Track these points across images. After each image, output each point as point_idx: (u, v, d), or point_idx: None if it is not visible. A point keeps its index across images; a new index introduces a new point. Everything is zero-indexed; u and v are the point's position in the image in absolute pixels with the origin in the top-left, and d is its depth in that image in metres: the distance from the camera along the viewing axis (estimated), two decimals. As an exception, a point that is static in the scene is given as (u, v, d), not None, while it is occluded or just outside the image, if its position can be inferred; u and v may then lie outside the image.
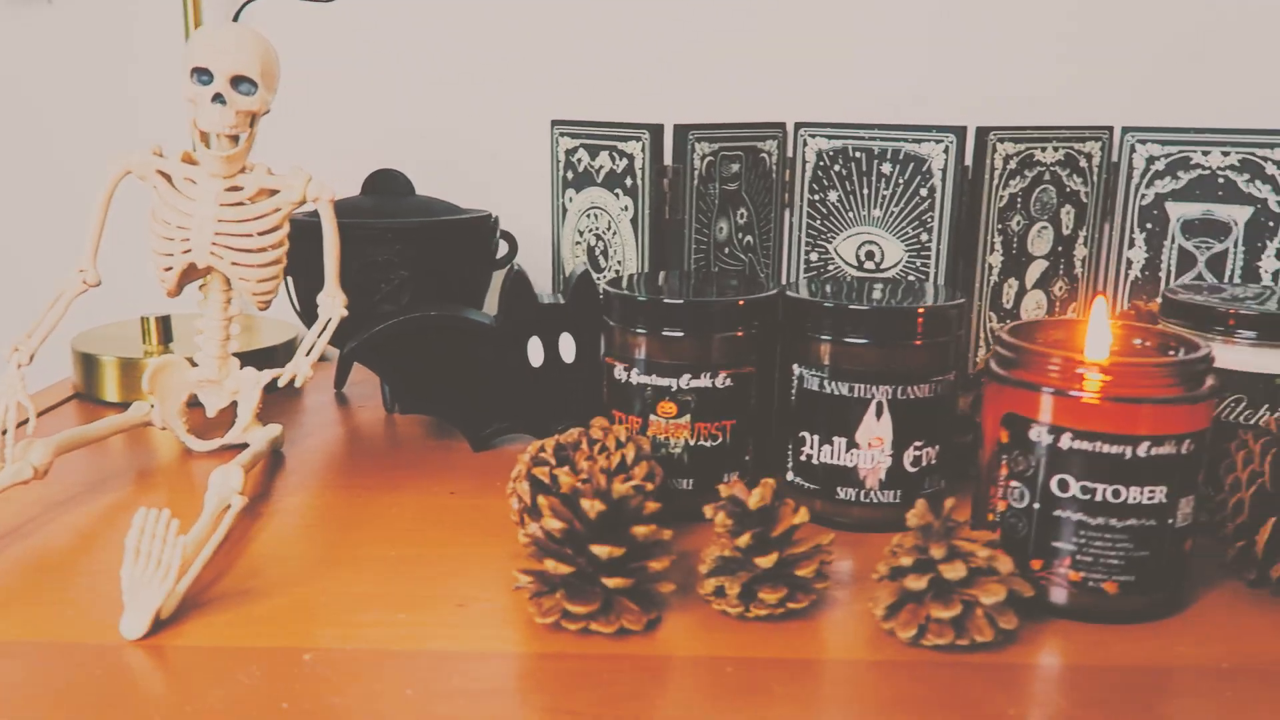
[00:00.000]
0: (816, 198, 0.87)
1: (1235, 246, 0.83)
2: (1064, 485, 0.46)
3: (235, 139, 0.62)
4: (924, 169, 0.83)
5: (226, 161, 0.62)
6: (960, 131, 0.81)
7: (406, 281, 0.73)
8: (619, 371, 0.58)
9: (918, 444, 0.56)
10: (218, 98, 0.59)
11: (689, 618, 0.48)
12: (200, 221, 0.62)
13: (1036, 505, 0.47)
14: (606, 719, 0.40)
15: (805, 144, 0.86)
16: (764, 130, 0.85)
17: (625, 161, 0.81)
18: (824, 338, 0.56)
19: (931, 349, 0.56)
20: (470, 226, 0.76)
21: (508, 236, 0.82)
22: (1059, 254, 0.86)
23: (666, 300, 0.57)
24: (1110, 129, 0.86)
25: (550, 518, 0.46)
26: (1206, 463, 0.54)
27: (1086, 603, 0.47)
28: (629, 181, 0.81)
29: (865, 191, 0.85)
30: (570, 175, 0.87)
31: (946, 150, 0.82)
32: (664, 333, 0.57)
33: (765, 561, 0.46)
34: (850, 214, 0.86)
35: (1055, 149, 0.84)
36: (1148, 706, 0.41)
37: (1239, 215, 0.82)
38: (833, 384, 0.56)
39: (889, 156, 0.84)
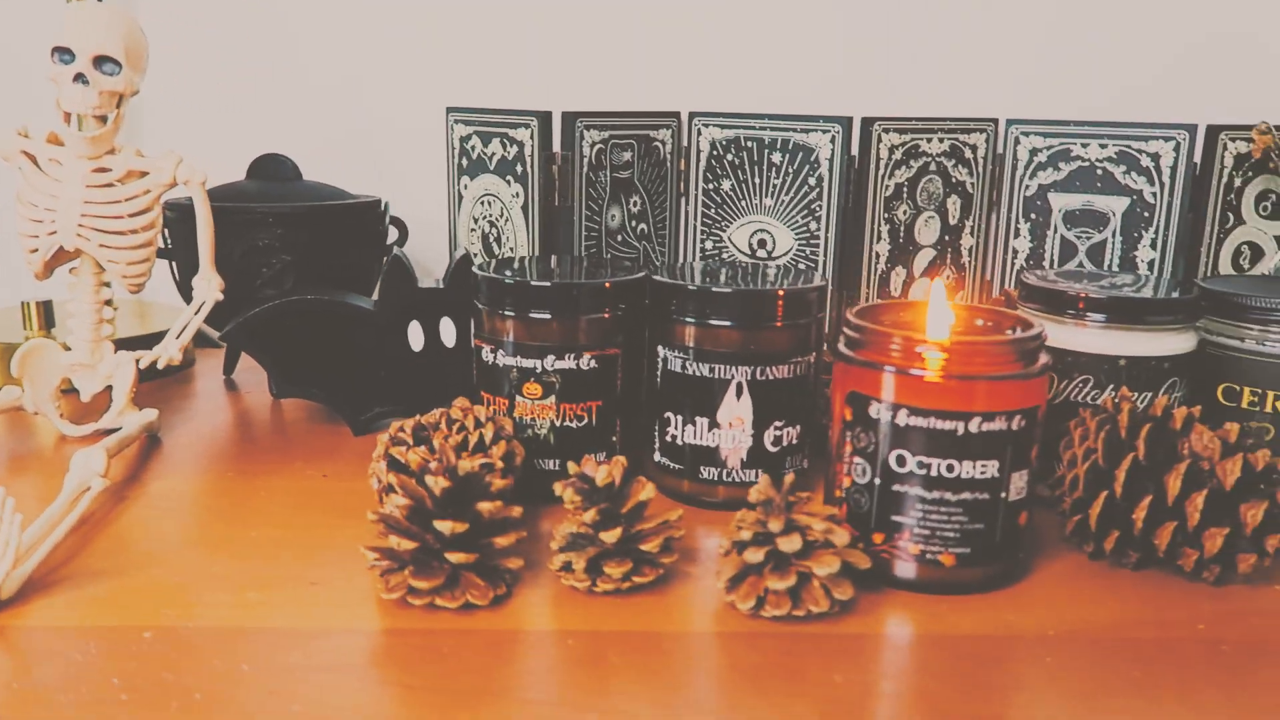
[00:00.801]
0: (711, 186, 0.88)
1: (1114, 236, 0.85)
2: (902, 461, 0.48)
3: (103, 119, 0.62)
4: (812, 158, 0.84)
5: (92, 143, 0.61)
6: (846, 122, 0.83)
7: (289, 266, 0.73)
8: (486, 353, 0.59)
9: (778, 424, 0.57)
10: (80, 78, 0.59)
11: (540, 593, 0.49)
12: (67, 203, 0.61)
13: (878, 480, 0.49)
14: (443, 691, 0.41)
15: (699, 133, 0.87)
16: (657, 119, 0.86)
17: (516, 148, 0.81)
18: (687, 320, 0.57)
19: (792, 331, 0.57)
20: (355, 211, 0.76)
21: (398, 222, 0.82)
22: (946, 243, 0.88)
23: (533, 283, 0.57)
24: (995, 121, 0.88)
25: (398, 494, 0.47)
26: (1047, 439, 0.56)
27: (925, 575, 0.49)
28: (519, 168, 0.81)
29: (757, 180, 0.86)
30: (465, 162, 0.87)
31: (833, 140, 0.83)
32: (531, 315, 0.57)
33: (610, 536, 0.47)
34: (743, 202, 0.87)
35: (941, 140, 0.86)
36: (968, 672, 0.43)
37: (1116, 206, 0.85)
38: (695, 365, 0.57)
39: (779, 146, 0.85)
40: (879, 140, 0.83)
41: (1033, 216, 0.88)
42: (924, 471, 0.47)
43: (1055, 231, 0.87)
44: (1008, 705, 0.41)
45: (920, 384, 0.47)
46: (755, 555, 0.46)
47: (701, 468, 0.58)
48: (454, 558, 0.45)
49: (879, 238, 0.85)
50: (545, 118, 0.79)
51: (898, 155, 0.85)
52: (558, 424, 0.58)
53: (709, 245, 0.88)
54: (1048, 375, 0.49)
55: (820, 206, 0.84)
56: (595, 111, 0.80)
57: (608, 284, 0.58)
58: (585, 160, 0.80)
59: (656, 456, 0.60)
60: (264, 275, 0.72)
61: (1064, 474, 0.53)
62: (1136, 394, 0.56)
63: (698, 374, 0.57)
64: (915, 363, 0.47)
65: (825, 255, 0.85)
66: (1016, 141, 0.88)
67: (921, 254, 0.87)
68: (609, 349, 0.58)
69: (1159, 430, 0.50)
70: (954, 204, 0.88)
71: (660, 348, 0.58)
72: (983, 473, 0.47)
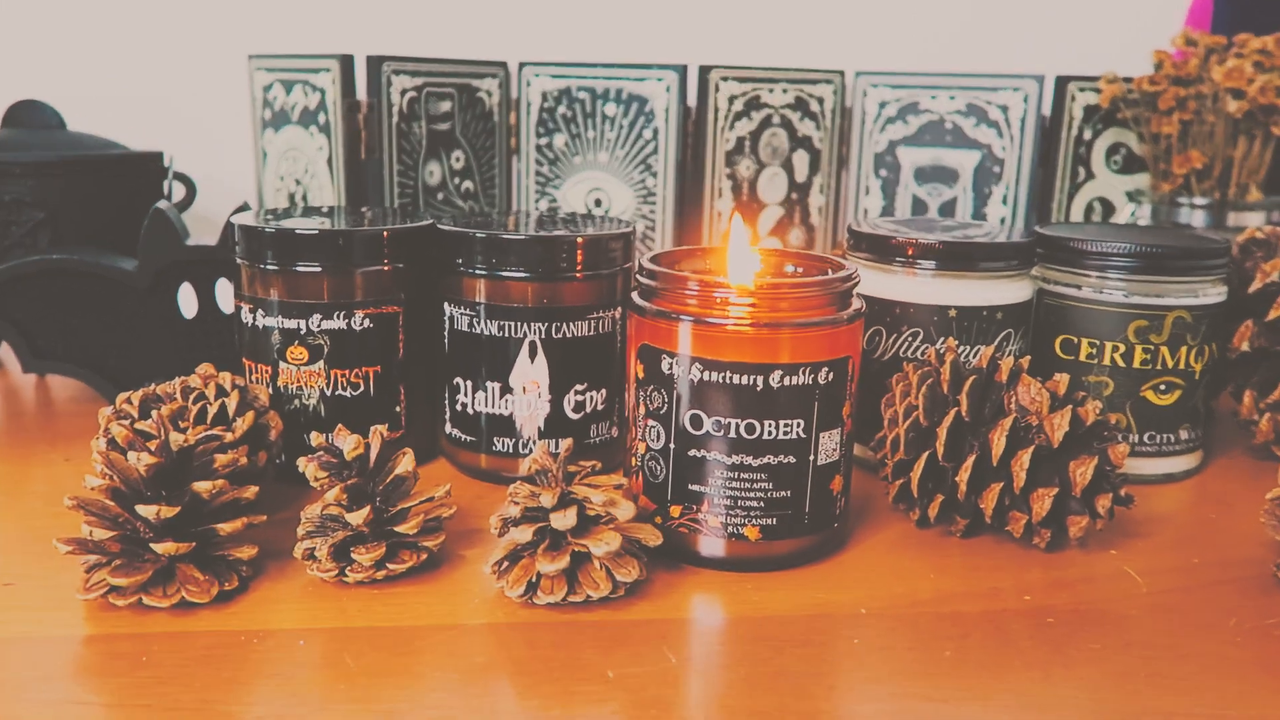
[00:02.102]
0: (543, 142, 0.81)
1: (965, 193, 0.82)
2: (698, 422, 0.42)
3: None
4: (646, 109, 0.78)
5: None
6: (681, 70, 0.77)
7: (44, 224, 0.64)
8: (245, 314, 0.51)
9: (579, 387, 0.51)
10: None
11: (283, 587, 0.42)
12: None
13: (673, 445, 0.43)
14: (126, 708, 0.34)
15: (529, 84, 0.81)
16: (480, 67, 0.79)
17: (318, 96, 0.74)
18: (475, 272, 0.50)
19: (594, 283, 0.51)
20: (124, 165, 0.67)
21: (184, 179, 0.74)
22: (794, 201, 0.83)
23: (298, 231, 0.50)
24: (841, 73, 0.83)
25: (99, 475, 0.39)
26: (874, 399, 0.51)
27: (729, 551, 0.43)
28: (322, 118, 0.73)
29: (591, 134, 0.80)
30: (268, 114, 0.79)
31: (668, 89, 0.77)
32: (297, 268, 0.50)
33: (357, 518, 0.40)
34: (577, 158, 0.80)
35: (785, 91, 0.81)
36: (764, 659, 0.37)
37: (967, 161, 0.81)
38: (483, 323, 0.50)
39: (612, 96, 0.79)
40: (717, 90, 0.78)
41: (883, 173, 0.83)
42: (721, 433, 0.42)
43: (906, 188, 0.83)
44: (800, 696, 0.35)
45: (717, 334, 0.41)
46: (524, 534, 0.39)
47: (496, 439, 0.52)
48: (162, 548, 0.38)
49: (720, 194, 0.79)
50: (347, 61, 0.71)
51: (738, 106, 0.79)
52: (328, 393, 0.51)
53: (543, 205, 0.82)
54: (860, 322, 0.43)
55: (657, 161, 0.78)
56: (405, 56, 0.73)
57: (386, 232, 0.51)
58: (395, 109, 0.73)
59: (448, 428, 0.53)
60: (13, 234, 0.63)
61: (885, 434, 0.48)
62: (967, 347, 0.52)
63: (487, 333, 0.50)
64: (711, 310, 0.42)
65: (664, 213, 0.79)
66: (865, 94, 0.83)
67: (767, 212, 0.82)
68: (387, 306, 0.51)
69: (984, 384, 0.46)
70: (801, 159, 0.83)
71: (446, 304, 0.52)
72: (787, 433, 0.42)
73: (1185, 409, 0.54)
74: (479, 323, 0.50)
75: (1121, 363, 0.53)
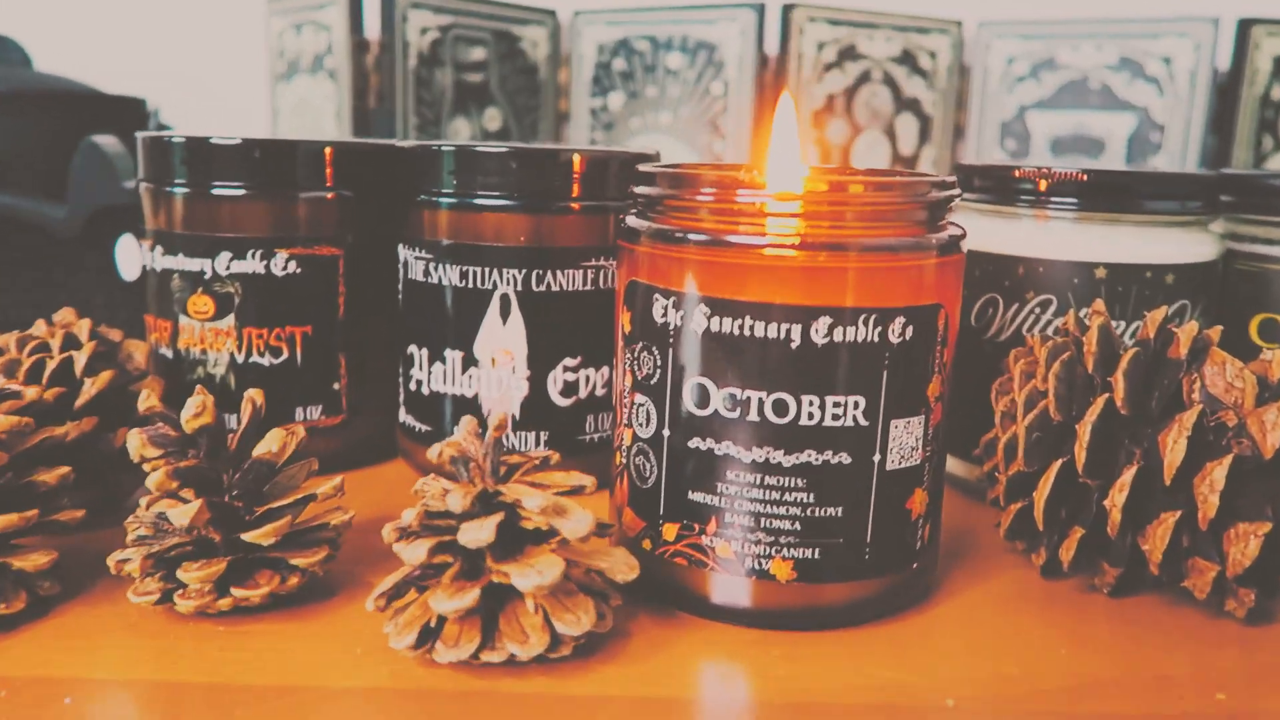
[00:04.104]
0: (597, 103, 0.68)
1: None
2: (703, 396, 0.28)
3: None
4: (715, 58, 0.65)
5: None
6: (759, 8, 0.63)
7: (-17, 168, 0.54)
8: (145, 252, 0.39)
9: (570, 362, 0.37)
10: None
11: (101, 616, 0.29)
12: None
13: (667, 433, 0.29)
14: None
15: (581, 35, 0.68)
16: (523, 13, 0.67)
17: (325, 37, 0.63)
18: (437, 200, 0.37)
19: (593, 219, 0.37)
20: (85, 107, 0.57)
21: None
22: (897, 177, 0.68)
23: (215, 140, 0.38)
24: (959, 22, 0.68)
25: None
26: (979, 384, 0.36)
27: (747, 596, 0.29)
28: (329, 63, 0.62)
29: (651, 91, 0.67)
30: (281, 66, 0.68)
31: (742, 33, 0.64)
32: (212, 190, 0.38)
33: (182, 516, 0.27)
34: (635, 120, 0.67)
35: (888, 40, 0.66)
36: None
37: (1117, 128, 0.65)
38: (442, 270, 0.37)
39: (676, 44, 0.66)
40: (802, 34, 0.64)
41: (1010, 144, 0.68)
42: (738, 414, 0.27)
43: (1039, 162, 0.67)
44: None
45: (738, 259, 0.27)
46: (417, 551, 0.26)
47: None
48: (-114, 545, 0.26)
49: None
50: (356, -9, 0.60)
51: (829, 56, 0.65)
52: (240, 359, 0.38)
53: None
54: (959, 258, 0.29)
55: (726, 121, 0.65)
56: (426, -12, 0.61)
57: (328, 148, 0.39)
58: (413, 50, 0.61)
59: (401, 414, 0.40)
60: (-55, 179, 0.53)
61: (997, 436, 0.33)
62: (1123, 323, 0.36)
63: (447, 283, 0.37)
64: (733, 223, 0.28)
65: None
66: (988, 47, 0.68)
67: (863, 189, 0.67)
68: (321, 247, 0.38)
69: (1150, 361, 0.30)
70: (907, 125, 0.68)
71: (401, 248, 0.39)
72: (838, 417, 0.27)
73: None
74: (437, 269, 0.37)
75: (1355, 352, 0.36)
